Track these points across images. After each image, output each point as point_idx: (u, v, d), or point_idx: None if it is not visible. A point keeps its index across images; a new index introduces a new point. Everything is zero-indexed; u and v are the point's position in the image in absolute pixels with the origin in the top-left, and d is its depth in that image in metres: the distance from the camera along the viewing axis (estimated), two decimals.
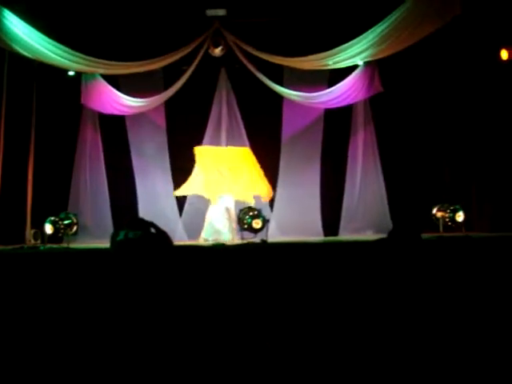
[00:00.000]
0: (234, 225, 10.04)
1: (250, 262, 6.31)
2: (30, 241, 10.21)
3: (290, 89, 10.94)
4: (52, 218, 9.91)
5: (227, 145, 11.23)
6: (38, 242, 9.96)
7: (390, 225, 10.30)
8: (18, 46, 9.72)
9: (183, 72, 10.66)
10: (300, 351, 3.08)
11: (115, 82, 11.01)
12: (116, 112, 10.98)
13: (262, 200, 10.28)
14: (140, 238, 3.51)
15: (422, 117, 11.03)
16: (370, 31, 10.00)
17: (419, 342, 2.96)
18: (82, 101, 10.99)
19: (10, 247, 9.21)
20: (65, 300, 3.78)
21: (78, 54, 10.16)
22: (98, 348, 2.97)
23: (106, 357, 2.90)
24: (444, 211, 10.22)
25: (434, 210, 10.32)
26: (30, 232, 10.39)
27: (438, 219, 10.24)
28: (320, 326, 3.28)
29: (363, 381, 2.85)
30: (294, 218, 10.92)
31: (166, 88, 10.96)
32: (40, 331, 3.27)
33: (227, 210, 10.05)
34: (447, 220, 10.15)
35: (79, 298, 3.70)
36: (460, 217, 10.09)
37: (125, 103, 10.93)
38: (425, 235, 9.10)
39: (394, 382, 2.84)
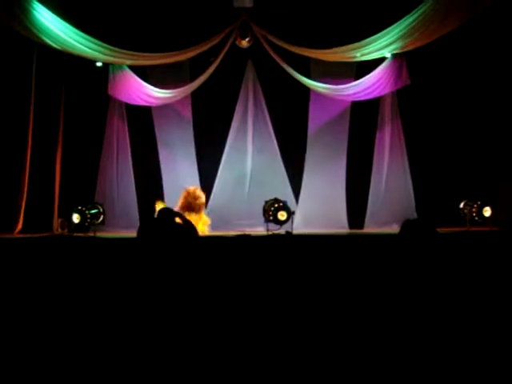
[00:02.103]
0: None
1: (275, 254, 6.32)
2: (57, 230, 10.35)
3: (317, 81, 10.89)
4: (79, 208, 10.03)
5: (253, 136, 11.25)
6: (65, 230, 10.09)
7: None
8: (45, 37, 9.79)
9: (210, 63, 10.67)
10: (326, 344, 3.07)
11: (142, 73, 11.06)
12: (143, 103, 11.03)
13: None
14: (167, 229, 3.54)
15: (450, 110, 10.90)
16: (397, 23, 9.92)
17: (434, 340, 2.93)
18: (109, 92, 11.04)
19: (37, 236, 9.33)
20: (88, 289, 3.82)
21: (105, 45, 10.21)
22: (122, 337, 2.99)
23: (131, 346, 2.93)
24: (471, 206, 10.13)
25: (461, 205, 10.23)
26: (57, 221, 10.54)
27: (465, 214, 10.15)
28: (343, 319, 3.28)
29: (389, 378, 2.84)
30: (320, 211, 10.90)
31: (192, 79, 10.99)
32: (63, 319, 3.31)
33: None
34: (474, 215, 10.06)
35: (103, 287, 3.74)
36: (487, 212, 10.00)
37: (152, 94, 10.96)
38: (451, 230, 9.09)
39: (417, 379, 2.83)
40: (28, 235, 9.60)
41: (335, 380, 2.86)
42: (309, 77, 10.90)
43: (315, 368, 2.91)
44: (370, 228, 10.82)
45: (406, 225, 3.62)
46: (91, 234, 9.65)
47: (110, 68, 10.96)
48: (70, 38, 9.93)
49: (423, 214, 10.58)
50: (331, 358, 2.95)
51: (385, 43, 10.19)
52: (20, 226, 10.33)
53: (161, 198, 11.03)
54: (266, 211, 10.14)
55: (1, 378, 2.86)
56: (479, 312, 3.11)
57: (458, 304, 3.13)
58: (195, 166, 11.21)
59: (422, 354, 2.86)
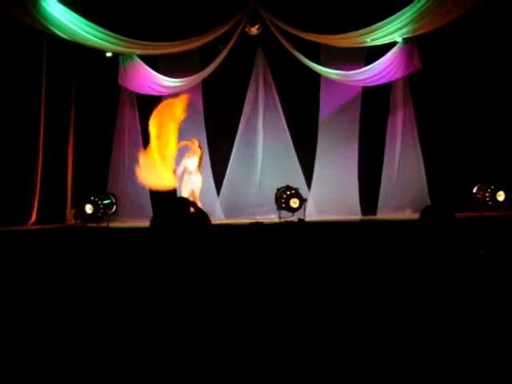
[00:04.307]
0: None
1: (287, 241, 6.31)
2: (70, 220, 10.39)
3: (328, 67, 10.83)
4: (92, 198, 10.07)
5: (264, 123, 11.22)
6: (78, 221, 10.13)
7: (428, 204, 10.16)
8: (55, 28, 9.80)
9: (220, 51, 10.64)
10: (338, 333, 3.07)
11: (153, 62, 11.05)
12: (153, 92, 11.02)
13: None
14: (180, 218, 3.53)
15: (462, 94, 10.80)
16: (408, 7, 9.83)
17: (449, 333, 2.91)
18: (120, 82, 11.06)
19: (50, 227, 9.36)
20: (102, 280, 3.83)
21: (114, 35, 10.21)
22: (135, 328, 3.00)
23: (143, 337, 2.94)
24: (484, 190, 10.06)
25: (475, 189, 10.17)
26: (70, 212, 10.58)
27: (478, 198, 10.09)
28: (356, 307, 3.26)
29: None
30: (332, 197, 10.88)
31: (202, 68, 10.97)
32: (76, 309, 3.33)
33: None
34: (487, 199, 9.99)
35: (117, 277, 3.75)
36: (501, 196, 9.93)
37: (162, 83, 10.96)
38: (464, 214, 9.03)
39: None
40: (41, 226, 9.64)
41: (350, 370, 2.85)
42: (319, 63, 10.85)
43: (329, 356, 2.91)
44: (382, 214, 10.78)
45: (426, 211, 3.60)
46: (104, 225, 9.68)
47: (120, 58, 10.97)
48: (80, 28, 9.92)
49: (436, 199, 10.54)
50: (344, 345, 2.95)
51: (395, 27, 10.10)
52: (34, 217, 10.38)
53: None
54: (278, 198, 10.13)
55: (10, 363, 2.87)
56: (494, 298, 3.08)
57: (476, 289, 3.10)
58: (206, 154, 11.18)
59: (441, 341, 2.84)
